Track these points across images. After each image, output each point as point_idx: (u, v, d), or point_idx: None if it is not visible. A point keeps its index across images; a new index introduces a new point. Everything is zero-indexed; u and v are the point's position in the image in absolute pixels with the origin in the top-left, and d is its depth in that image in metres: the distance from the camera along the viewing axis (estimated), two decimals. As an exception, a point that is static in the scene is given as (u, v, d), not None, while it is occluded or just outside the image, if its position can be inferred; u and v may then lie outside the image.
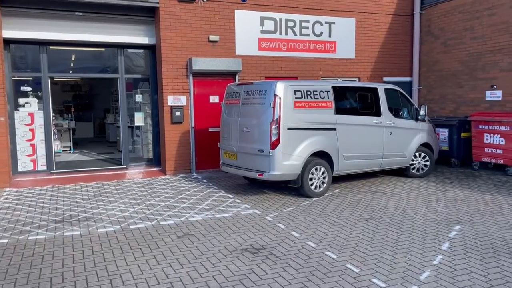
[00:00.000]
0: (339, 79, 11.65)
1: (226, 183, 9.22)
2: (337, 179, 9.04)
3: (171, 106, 10.00)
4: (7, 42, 9.35)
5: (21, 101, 10.04)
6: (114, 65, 11.12)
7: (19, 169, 9.82)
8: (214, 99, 10.47)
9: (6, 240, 5.56)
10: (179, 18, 9.95)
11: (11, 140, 9.52)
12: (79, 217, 6.66)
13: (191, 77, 10.14)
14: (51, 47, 10.04)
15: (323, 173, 7.72)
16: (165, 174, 10.11)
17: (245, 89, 7.85)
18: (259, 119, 7.43)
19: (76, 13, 9.58)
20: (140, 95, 11.22)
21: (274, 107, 7.23)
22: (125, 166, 10.71)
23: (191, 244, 5.40)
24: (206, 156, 10.44)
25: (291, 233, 5.77)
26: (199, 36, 10.16)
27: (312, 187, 7.63)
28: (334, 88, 7.97)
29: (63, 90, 20.75)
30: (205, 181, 9.45)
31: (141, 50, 11.07)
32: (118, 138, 14.46)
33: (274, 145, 7.23)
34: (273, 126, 7.22)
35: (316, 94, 7.65)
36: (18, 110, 9.88)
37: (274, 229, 5.95)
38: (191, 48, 10.10)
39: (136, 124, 11.12)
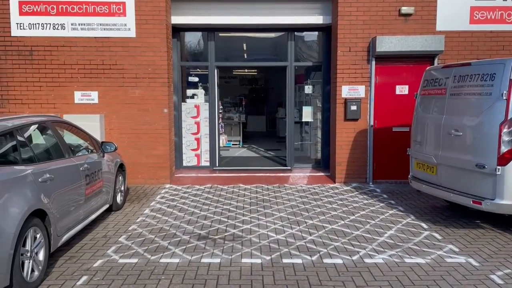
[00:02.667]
0: None
1: (414, 202, 6.85)
2: None
3: (346, 99, 8.08)
4: (176, 29, 8.88)
5: (189, 92, 9.59)
6: (283, 52, 9.80)
7: (184, 164, 9.37)
8: (401, 90, 8.12)
9: (136, 260, 4.58)
10: (362, -12, 7.94)
11: (177, 133, 9.10)
12: (226, 233, 5.39)
13: (373, 62, 8.01)
14: (219, 34, 9.27)
15: None
16: (334, 182, 8.29)
17: (456, 73, 5.37)
18: (480, 118, 4.91)
19: (244, -7, 8.52)
20: (310, 86, 9.63)
21: (509, 100, 4.61)
22: (289, 168, 9.30)
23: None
24: (386, 163, 8.20)
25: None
26: (387, 9, 7.93)
27: None
28: None
29: (241, 84, 20.99)
30: (385, 196, 7.26)
31: (314, 33, 9.45)
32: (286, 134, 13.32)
33: (506, 159, 4.62)
34: (506, 130, 4.62)
35: None
36: (185, 102, 9.44)
37: (511, 306, 3.51)
38: (375, 26, 7.97)
39: (304, 119, 9.57)
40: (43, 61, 8.03)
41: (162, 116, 8.18)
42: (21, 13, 7.99)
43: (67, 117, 7.48)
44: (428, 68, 6.20)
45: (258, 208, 6.53)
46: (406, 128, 8.10)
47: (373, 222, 5.81)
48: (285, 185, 8.18)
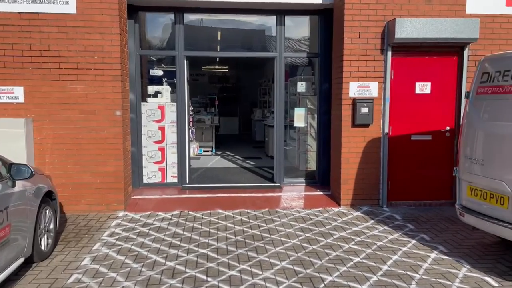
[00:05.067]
0: None
1: (453, 237, 5.16)
2: None
3: (354, 99, 6.32)
4: (134, 8, 6.85)
5: (151, 89, 7.55)
6: (270, 40, 7.97)
7: (145, 181, 7.34)
8: (422, 88, 6.44)
9: None
10: (374, -42, 6.20)
11: (134, 142, 7.06)
12: (206, 306, 3.47)
13: (389, 53, 6.28)
14: (190, 16, 7.30)
15: None
16: (339, 205, 6.51)
17: (547, 63, 3.67)
18: None
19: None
20: (304, 83, 7.82)
21: None
22: (279, 184, 7.45)
23: None
24: (403, 181, 6.51)
25: None
26: (406, -15, 6.24)
27: None
28: None
29: (210, 82, 19.01)
30: (411, 227, 5.54)
31: (308, 17, 7.65)
32: (266, 139, 11.51)
33: None
34: None
35: None
36: (146, 102, 7.41)
37: None
38: (390, 5, 6.25)
39: (297, 125, 7.74)
40: None
41: (114, 121, 6.14)
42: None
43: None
44: (487, 56, 4.49)
45: (248, 253, 4.63)
46: (427, 137, 6.46)
47: (417, 276, 4.04)
48: (277, 209, 6.32)
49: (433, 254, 4.57)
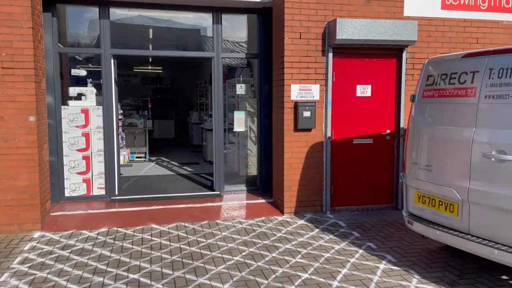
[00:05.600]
0: None
1: (399, 244, 5.04)
2: None
3: (296, 102, 6.04)
4: (51, 0, 6.05)
5: (73, 91, 6.75)
6: (206, 41, 7.52)
7: (67, 194, 6.53)
8: (363, 91, 6.32)
9: None
10: (314, -44, 5.97)
11: (53, 150, 6.24)
12: None
13: (330, 54, 6.09)
14: (117, 11, 6.63)
15: None
16: (282, 213, 6.19)
17: (494, 65, 3.56)
18: None
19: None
20: (243, 85, 7.44)
21: None
22: (219, 193, 7.00)
23: None
24: (346, 186, 6.36)
25: None
26: (346, -14, 6.09)
27: None
28: None
29: (143, 83, 18.07)
30: (356, 235, 5.36)
31: (245, 16, 7.30)
32: (204, 143, 11.00)
33: None
34: None
35: None
36: (67, 105, 6.60)
37: None
38: (331, 5, 6.06)
39: (237, 129, 7.34)
40: None
41: (27, 127, 5.31)
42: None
43: None
44: (431, 58, 4.38)
45: (186, 276, 4.12)
46: (369, 140, 6.36)
47: (369, 290, 3.81)
48: (218, 221, 5.86)
49: (382, 265, 4.38)
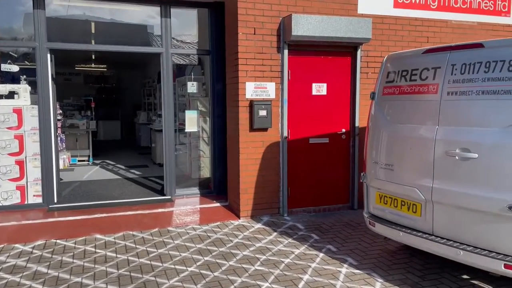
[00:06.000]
0: None
1: (359, 246, 4.91)
2: None
3: (252, 101, 5.78)
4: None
5: (3, 89, 6.06)
6: (154, 36, 7.10)
7: (-3, 203, 5.85)
8: (319, 89, 6.19)
9: None
10: (268, -52, 5.75)
11: (-20, 155, 5.55)
12: None
13: (286, 51, 5.88)
14: (54, 1, 6.04)
15: None
16: (238, 217, 5.91)
17: (456, 61, 3.48)
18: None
19: None
20: (195, 83, 7.07)
21: None
22: (170, 197, 6.59)
23: None
24: (302, 186, 6.19)
25: None
26: (300, -19, 5.91)
27: None
28: None
29: (86, 82, 17.06)
30: (315, 237, 5.18)
31: (195, 10, 6.94)
32: (153, 145, 10.47)
33: None
34: None
35: None
36: (-4, 104, 5.92)
37: None
38: (285, 0, 5.85)
39: (189, 129, 6.95)
40: None
41: None
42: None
43: None
44: (390, 55, 4.26)
45: (135, 292, 3.73)
46: (325, 139, 6.23)
47: (333, 298, 3.61)
48: (169, 228, 5.46)
49: (344, 269, 4.21)
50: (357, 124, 6.30)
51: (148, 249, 4.73)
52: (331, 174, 6.30)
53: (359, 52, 6.23)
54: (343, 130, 6.32)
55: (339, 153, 6.33)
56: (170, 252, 4.65)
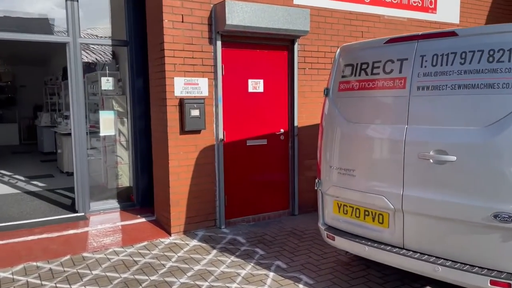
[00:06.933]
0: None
1: (310, 260, 4.43)
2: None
3: (181, 99, 5.01)
4: None
5: None
6: (57, 23, 6.02)
7: None
8: (256, 86, 5.61)
9: None
10: None
11: None
12: None
13: (219, 43, 5.20)
14: None
15: None
16: (169, 234, 5.10)
17: (426, 51, 3.09)
18: (497, 129, 2.74)
19: None
20: (110, 80, 6.07)
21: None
22: (83, 214, 5.55)
23: None
24: (240, 194, 5.57)
25: None
26: (232, -36, 5.25)
27: None
28: None
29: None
30: (260, 253, 4.59)
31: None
32: (59, 151, 9.12)
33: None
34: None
35: None
36: None
37: None
38: (217, -14, 5.18)
39: (104, 133, 5.95)
40: None
41: None
42: None
43: None
44: (344, 46, 3.79)
45: None
46: (263, 141, 5.69)
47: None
48: (84, 254, 4.48)
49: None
50: (296, 124, 5.84)
51: (58, 285, 3.76)
52: (270, 178, 5.77)
53: (296, 46, 5.77)
54: (282, 130, 5.82)
55: (278, 155, 5.83)
56: (87, 287, 3.73)
